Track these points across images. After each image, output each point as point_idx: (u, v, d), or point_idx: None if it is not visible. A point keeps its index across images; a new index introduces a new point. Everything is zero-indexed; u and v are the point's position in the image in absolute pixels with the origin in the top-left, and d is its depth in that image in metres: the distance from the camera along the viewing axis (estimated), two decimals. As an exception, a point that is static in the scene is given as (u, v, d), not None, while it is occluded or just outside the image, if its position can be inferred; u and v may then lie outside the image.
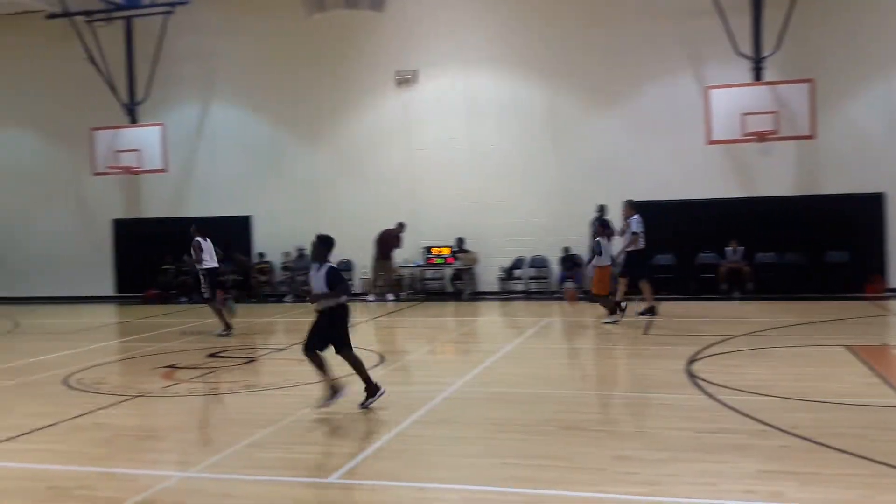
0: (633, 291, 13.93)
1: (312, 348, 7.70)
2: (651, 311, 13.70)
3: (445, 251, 18.43)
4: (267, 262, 19.93)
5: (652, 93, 17.90)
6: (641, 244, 13.74)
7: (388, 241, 18.26)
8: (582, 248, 17.82)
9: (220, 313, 13.66)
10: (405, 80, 19.06)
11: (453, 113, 18.87)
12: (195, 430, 7.30)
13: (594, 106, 18.25)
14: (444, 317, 15.79)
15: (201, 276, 13.84)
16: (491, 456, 6.18)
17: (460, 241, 18.47)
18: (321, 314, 7.77)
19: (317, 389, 8.87)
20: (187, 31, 19.93)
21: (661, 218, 17.55)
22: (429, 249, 18.54)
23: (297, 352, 11.70)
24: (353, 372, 7.87)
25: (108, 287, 21.27)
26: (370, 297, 18.59)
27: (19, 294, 20.83)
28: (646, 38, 17.73)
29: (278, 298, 19.51)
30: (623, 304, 13.48)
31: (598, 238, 13.51)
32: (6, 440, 6.97)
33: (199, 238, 14.03)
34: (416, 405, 7.84)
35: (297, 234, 19.62)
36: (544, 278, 18.43)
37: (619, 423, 7.05)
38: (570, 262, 17.99)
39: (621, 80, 18.01)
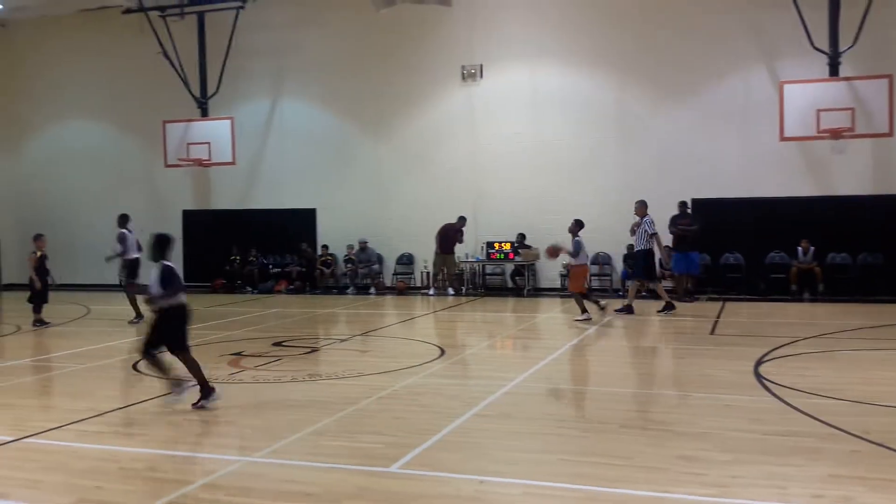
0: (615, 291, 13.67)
1: (147, 350, 7.59)
2: (629, 310, 14.25)
3: (507, 246, 18.37)
4: (331, 255, 20.16)
5: (723, 87, 17.53)
6: (652, 244, 14.13)
7: (450, 235, 18.29)
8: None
9: (133, 301, 14.26)
10: (470, 74, 19.06)
11: (518, 107, 18.80)
12: (260, 417, 7.42)
13: (662, 101, 17.95)
14: (504, 312, 15.74)
15: (122, 266, 14.71)
16: (552, 452, 6.15)
17: (521, 236, 18.38)
18: (157, 314, 7.62)
19: (379, 379, 8.98)
20: (258, 26, 20.29)
21: (729, 216, 17.27)
22: (490, 244, 18.50)
23: (360, 343, 11.96)
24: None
25: (177, 276, 21.78)
26: (430, 291, 18.67)
27: (91, 281, 21.48)
28: (717, 30, 17.37)
29: (340, 290, 19.73)
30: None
31: (575, 238, 13.67)
32: (80, 421, 7.21)
33: (123, 230, 14.86)
34: (477, 399, 7.84)
35: (361, 227, 19.86)
36: (607, 276, 18.23)
37: (683, 423, 6.92)
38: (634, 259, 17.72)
39: (691, 74, 17.68)
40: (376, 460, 5.83)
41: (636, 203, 14.58)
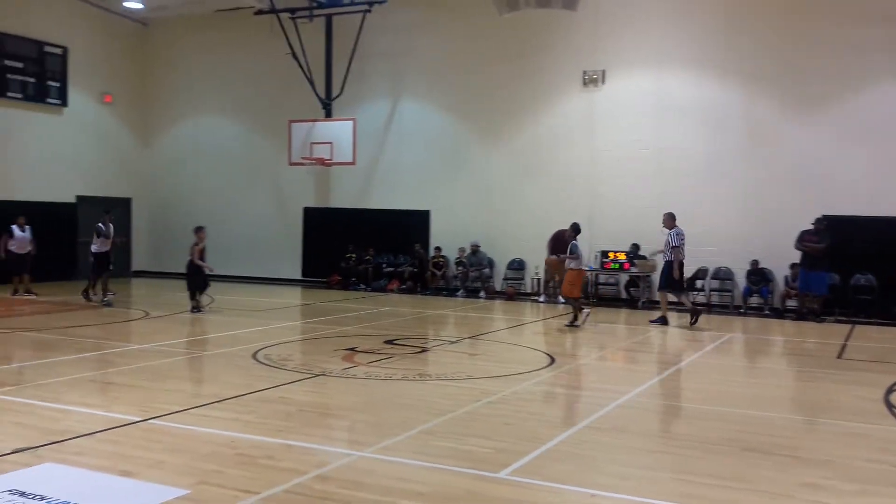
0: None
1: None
2: (663, 321, 14.47)
3: (622, 256, 17.99)
4: (443, 257, 20.31)
5: (858, 101, 16.62)
6: (681, 256, 14.39)
7: (563, 241, 18.07)
8: (773, 261, 16.84)
9: (105, 286, 16.38)
10: (592, 79, 18.79)
11: (640, 114, 18.39)
12: (371, 413, 7.52)
13: (794, 112, 17.16)
14: (617, 323, 15.42)
15: (94, 257, 16.45)
16: (666, 470, 5.95)
17: (636, 246, 17.97)
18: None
19: (488, 383, 8.95)
20: (382, 29, 20.69)
21: (861, 235, 16.33)
22: (605, 254, 18.16)
23: (469, 346, 11.96)
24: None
25: (296, 271, 22.48)
26: (541, 298, 18.51)
27: (217, 272, 22.37)
28: (852, 43, 16.47)
29: (450, 292, 19.84)
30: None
31: (573, 243, 13.97)
32: (202, 406, 7.50)
33: (100, 224, 16.63)
34: (588, 410, 7.71)
35: (473, 231, 19.91)
36: (728, 291, 17.59)
37: (806, 450, 6.57)
38: (759, 275, 17.05)
39: (824, 86, 16.84)
40: (485, 465, 5.80)
41: (664, 215, 14.71)
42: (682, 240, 14.53)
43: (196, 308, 15.01)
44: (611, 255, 18.08)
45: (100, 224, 16.77)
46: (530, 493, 5.31)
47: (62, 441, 6.18)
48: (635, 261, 17.80)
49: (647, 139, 18.28)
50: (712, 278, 17.74)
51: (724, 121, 17.73)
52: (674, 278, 14.49)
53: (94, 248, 16.62)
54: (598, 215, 18.58)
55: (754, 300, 17.17)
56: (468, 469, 5.69)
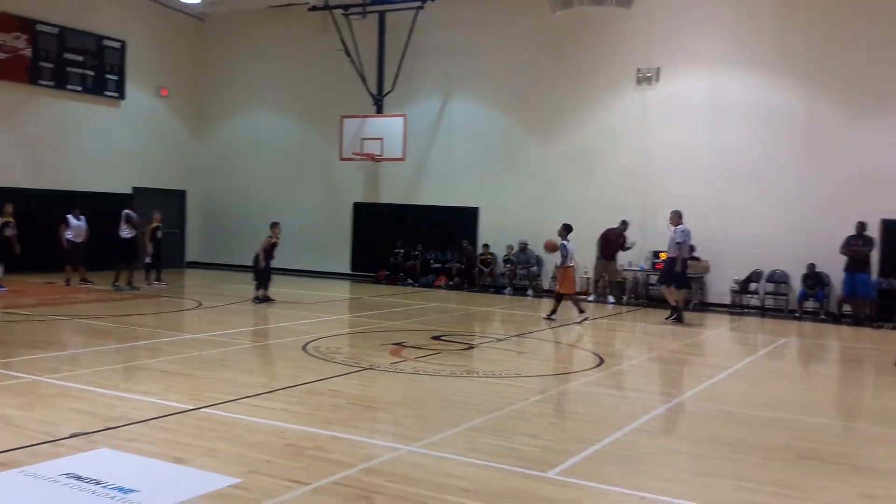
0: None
1: None
2: (678, 318, 14.68)
3: (674, 257, 17.66)
4: (491, 254, 20.25)
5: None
6: (685, 254, 14.69)
7: (612, 240, 17.89)
8: (830, 265, 16.44)
9: (130, 274, 17.00)
10: (646, 77, 18.54)
11: (695, 114, 18.11)
12: (419, 408, 7.53)
13: (859, 114, 16.69)
14: (668, 325, 15.20)
15: (125, 243, 17.04)
16: (719, 475, 5.83)
17: (690, 248, 17.65)
18: None
19: (535, 382, 8.89)
20: (434, 26, 20.70)
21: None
22: (656, 254, 17.90)
23: (516, 343, 11.90)
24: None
25: (345, 265, 22.65)
26: (590, 298, 18.35)
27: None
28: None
29: (498, 290, 19.78)
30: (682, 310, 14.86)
31: (563, 241, 14.35)
32: (253, 396, 7.58)
33: (129, 211, 17.22)
34: (638, 413, 7.60)
35: (522, 228, 19.80)
36: (783, 295, 17.21)
37: (865, 459, 6.39)
38: (815, 279, 16.66)
39: (885, 89, 16.37)
40: (533, 464, 5.75)
41: (671, 212, 14.94)
42: (688, 237, 14.75)
43: (258, 299, 15.26)
44: (662, 255, 17.77)
45: (128, 211, 17.20)
46: (578, 494, 5.25)
47: (117, 427, 6.31)
48: (688, 262, 17.47)
49: (702, 139, 17.99)
50: (767, 281, 17.39)
51: (780, 122, 17.36)
52: (675, 273, 14.75)
53: (124, 234, 17.06)
54: (650, 215, 18.32)
55: (810, 304, 16.78)
56: (515, 467, 5.65)
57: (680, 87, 18.32)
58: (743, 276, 17.40)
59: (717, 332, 14.68)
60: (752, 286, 17.39)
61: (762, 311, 17.15)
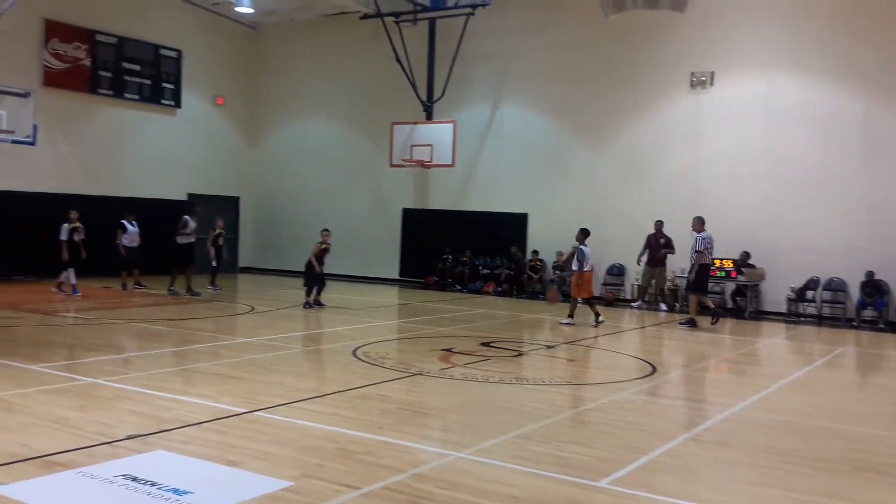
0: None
1: None
2: (692, 324, 14.74)
3: (728, 264, 17.38)
4: (540, 260, 20.15)
5: None
6: (706, 260, 14.78)
7: (654, 246, 17.64)
8: (890, 273, 16.00)
9: (188, 279, 17.28)
10: (700, 81, 18.29)
11: (750, 118, 17.78)
12: (468, 414, 7.51)
13: (919, 118, 16.27)
14: (722, 334, 14.93)
15: (182, 248, 17.32)
16: (773, 486, 5.70)
17: (745, 255, 17.36)
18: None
19: (586, 390, 8.81)
20: (484, 32, 20.72)
21: None
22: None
23: (566, 351, 11.81)
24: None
25: (393, 271, 22.75)
26: (635, 304, 18.13)
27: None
28: None
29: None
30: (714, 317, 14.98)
31: (580, 246, 14.44)
32: (304, 400, 7.65)
33: (187, 217, 17.51)
34: (691, 422, 7.48)
35: (571, 234, 19.52)
36: (840, 303, 16.79)
37: (928, 473, 6.19)
38: (873, 287, 16.21)
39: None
40: (584, 472, 5.69)
41: (694, 218, 15.09)
42: (710, 244, 14.84)
43: (308, 304, 15.43)
44: (717, 262, 17.47)
45: (186, 216, 17.46)
46: (631, 504, 5.18)
47: (172, 429, 6.42)
48: (743, 269, 17.18)
49: (757, 144, 17.68)
50: (824, 289, 16.98)
51: (838, 126, 16.96)
52: (698, 280, 14.87)
53: (181, 239, 17.34)
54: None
55: (868, 313, 16.36)
56: (566, 476, 5.60)
57: (735, 92, 18.02)
58: (799, 283, 17.02)
59: (772, 340, 14.38)
60: (809, 294, 17.01)
61: (819, 320, 16.75)
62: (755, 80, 17.80)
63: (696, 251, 14.77)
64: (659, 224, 17.73)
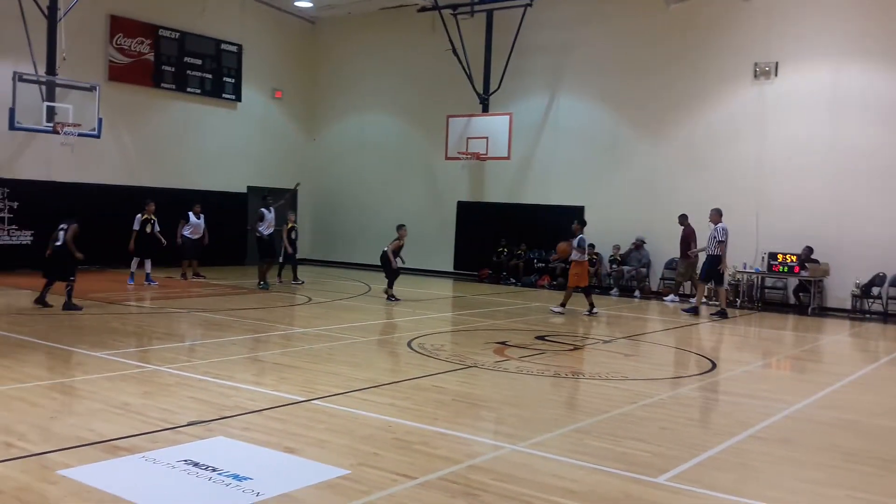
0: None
1: None
2: (695, 311, 15.49)
3: (791, 259, 16.96)
4: (596, 254, 19.95)
5: None
6: (720, 251, 15.09)
7: (685, 239, 17.30)
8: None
9: (265, 271, 17.30)
10: (764, 71, 17.84)
11: (815, 109, 17.30)
12: (523, 407, 7.47)
13: None
14: (784, 330, 14.61)
15: (262, 240, 17.32)
16: (838, 486, 5.55)
17: (808, 249, 16.92)
18: None
19: (644, 386, 8.69)
20: (541, 23, 20.57)
21: None
22: (773, 255, 17.20)
23: (624, 346, 11.66)
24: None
25: (448, 263, 22.79)
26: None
27: (372, 261, 23.06)
28: None
29: (604, 291, 19.46)
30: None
31: (580, 235, 14.76)
32: (360, 390, 7.71)
33: (263, 209, 17.46)
34: (753, 419, 7.32)
35: (629, 228, 19.42)
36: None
37: None
38: (944, 284, 15.67)
39: None
40: (642, 468, 5.62)
41: (711, 210, 15.36)
42: (727, 236, 15.16)
43: (392, 297, 15.57)
44: (779, 257, 17.11)
45: (263, 209, 17.61)
46: (690, 501, 5.09)
47: (232, 416, 6.53)
48: (807, 264, 16.76)
49: (823, 135, 17.21)
50: (890, 285, 16.45)
51: (907, 117, 16.39)
52: (716, 272, 15.18)
53: (261, 231, 17.44)
54: (766, 214, 17.67)
55: (939, 311, 15.81)
56: (624, 471, 5.53)
57: (799, 82, 17.55)
58: (865, 279, 16.53)
59: (836, 338, 14.01)
60: (875, 290, 16.50)
61: (885, 317, 16.24)
62: (821, 70, 17.31)
63: (719, 241, 15.06)
64: (682, 218, 17.36)
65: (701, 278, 15.92)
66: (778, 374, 10.73)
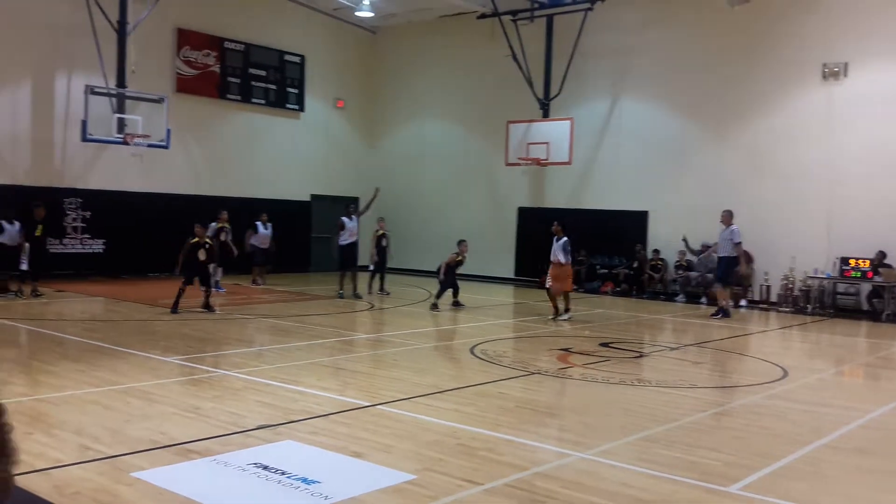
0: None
1: None
2: (724, 313, 15.34)
3: (864, 264, 16.41)
4: (661, 260, 19.65)
5: None
6: (736, 252, 15.18)
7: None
8: None
9: (348, 280, 16.94)
10: (833, 72, 17.34)
11: (887, 110, 16.72)
12: (589, 415, 7.38)
13: None
14: (857, 337, 14.15)
15: (342, 249, 17.07)
16: (920, 499, 5.34)
17: (882, 254, 16.37)
18: None
19: (713, 394, 8.51)
20: (602, 27, 20.39)
21: None
22: (845, 261, 16.68)
23: (691, 353, 11.44)
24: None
25: (508, 270, 22.71)
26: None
27: (433, 267, 23.13)
28: None
29: (669, 297, 19.14)
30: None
31: (564, 238, 14.57)
32: (424, 395, 7.73)
33: (344, 218, 17.24)
34: (827, 428, 7.10)
35: (694, 233, 19.03)
36: None
37: None
38: None
39: None
40: (713, 478, 5.49)
41: (723, 212, 15.41)
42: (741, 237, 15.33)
43: (457, 303, 15.60)
44: (851, 262, 16.58)
45: (343, 218, 17.44)
46: (765, 512, 4.96)
47: (299, 420, 6.61)
48: (880, 269, 16.21)
49: (895, 138, 16.61)
50: (973, 292, 15.80)
51: None
52: (732, 273, 15.40)
53: (342, 241, 17.19)
54: (837, 219, 17.16)
55: None
56: (695, 480, 5.41)
57: (871, 83, 16.99)
58: (943, 284, 15.91)
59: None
60: (954, 296, 15.87)
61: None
62: (892, 69, 16.73)
63: (735, 243, 15.17)
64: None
65: (721, 280, 15.74)
66: (852, 381, 10.40)
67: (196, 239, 13.56)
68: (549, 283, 14.80)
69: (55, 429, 6.15)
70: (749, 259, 18.01)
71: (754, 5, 17.24)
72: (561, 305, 14.57)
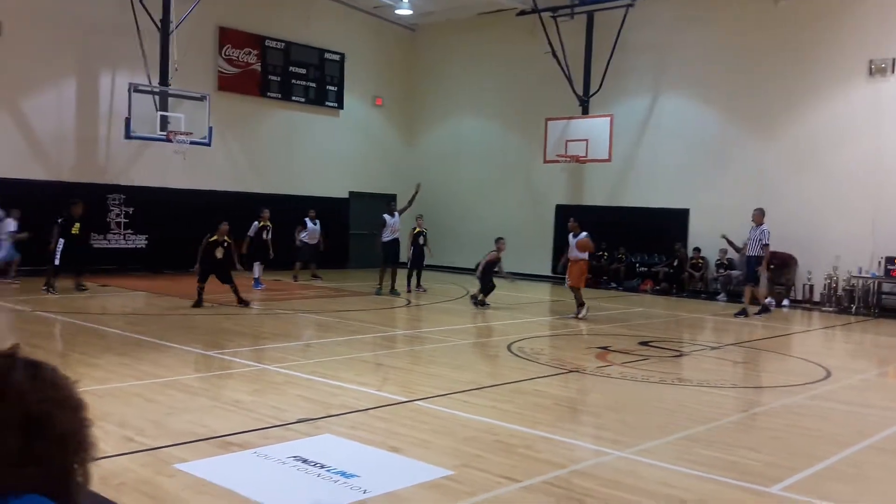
0: None
1: None
2: (744, 313, 15.08)
3: (912, 264, 16.07)
4: (702, 258, 19.42)
5: None
6: (762, 252, 15.06)
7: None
8: None
9: (387, 275, 16.80)
10: (880, 69, 16.96)
11: (938, 106, 16.37)
12: (628, 413, 7.34)
13: None
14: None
15: (384, 246, 16.93)
16: (971, 504, 5.22)
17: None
18: None
19: (754, 394, 8.40)
20: (643, 23, 20.18)
21: None
22: (890, 260, 16.34)
23: (732, 353, 11.30)
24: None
25: (545, 267, 22.62)
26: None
27: (468, 265, 23.15)
28: None
29: (710, 296, 18.90)
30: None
31: (582, 233, 14.43)
32: (462, 392, 7.74)
33: (385, 215, 17.11)
34: (871, 429, 6.97)
35: (736, 231, 18.70)
36: None
37: None
38: None
39: None
40: (754, 478, 5.43)
41: (755, 210, 15.36)
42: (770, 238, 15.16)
43: (481, 303, 15.31)
44: (896, 261, 16.25)
45: (385, 214, 17.40)
46: (807, 513, 4.89)
47: (338, 415, 6.66)
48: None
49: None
50: None
51: None
52: (756, 272, 15.28)
53: (384, 237, 17.16)
54: (883, 218, 16.80)
55: None
56: (736, 480, 5.35)
57: (920, 78, 16.63)
58: None
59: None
60: None
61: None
62: (944, 63, 16.36)
63: (763, 244, 15.00)
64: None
65: (749, 280, 15.61)
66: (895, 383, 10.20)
67: (215, 237, 13.45)
68: (568, 281, 14.75)
69: (99, 420, 6.26)
70: (792, 261, 17.77)
71: (799, 0, 16.96)
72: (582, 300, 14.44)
